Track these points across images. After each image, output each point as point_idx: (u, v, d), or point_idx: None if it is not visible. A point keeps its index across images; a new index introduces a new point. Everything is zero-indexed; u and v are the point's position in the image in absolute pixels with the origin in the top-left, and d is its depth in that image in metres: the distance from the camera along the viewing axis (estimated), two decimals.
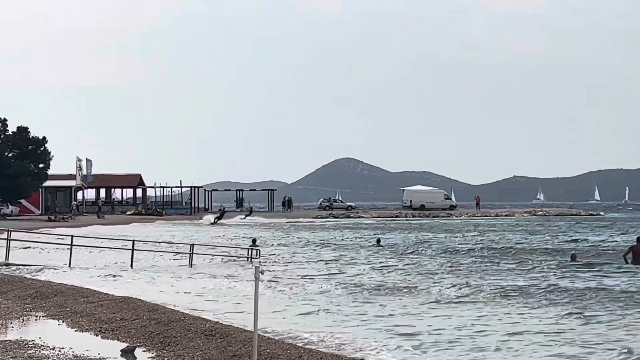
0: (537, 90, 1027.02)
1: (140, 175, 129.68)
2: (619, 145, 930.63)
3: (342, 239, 61.49)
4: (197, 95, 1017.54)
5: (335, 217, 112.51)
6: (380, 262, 38.74)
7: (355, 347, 16.92)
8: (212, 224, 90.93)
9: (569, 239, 59.44)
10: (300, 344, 16.73)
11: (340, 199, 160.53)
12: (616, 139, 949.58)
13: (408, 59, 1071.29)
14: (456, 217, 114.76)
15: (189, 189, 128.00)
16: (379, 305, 23.61)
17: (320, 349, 16.15)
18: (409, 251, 47.79)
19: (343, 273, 34.21)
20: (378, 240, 53.05)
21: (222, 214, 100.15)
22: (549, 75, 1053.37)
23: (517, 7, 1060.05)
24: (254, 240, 47.76)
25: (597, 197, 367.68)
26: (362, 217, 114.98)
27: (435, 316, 21.57)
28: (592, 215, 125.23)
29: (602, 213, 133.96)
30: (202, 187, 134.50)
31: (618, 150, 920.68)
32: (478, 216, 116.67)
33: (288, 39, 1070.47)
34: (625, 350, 16.16)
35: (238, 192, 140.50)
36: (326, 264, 38.80)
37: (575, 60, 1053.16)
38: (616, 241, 55.83)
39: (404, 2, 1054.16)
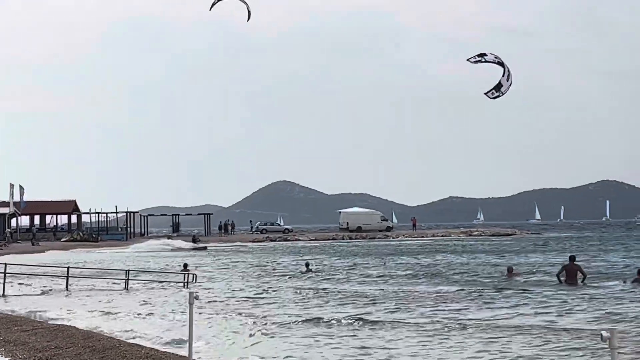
0: (471, 112, 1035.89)
1: (74, 201, 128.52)
2: (553, 166, 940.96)
3: (277, 263, 60.85)
4: (130, 119, 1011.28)
5: (272, 240, 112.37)
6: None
7: None
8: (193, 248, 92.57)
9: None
10: None
11: (277, 222, 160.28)
12: (550, 159, 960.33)
13: (342, 81, 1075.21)
14: (393, 238, 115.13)
15: (125, 214, 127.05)
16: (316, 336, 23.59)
17: None
18: (339, 276, 46.18)
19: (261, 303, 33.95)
20: (307, 265, 51.53)
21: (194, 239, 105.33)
22: (482, 97, 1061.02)
23: (454, 32, 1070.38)
24: (185, 265, 47.32)
25: (537, 216, 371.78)
26: (299, 239, 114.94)
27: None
28: (528, 234, 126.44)
29: (540, 233, 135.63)
30: (137, 212, 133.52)
31: (552, 171, 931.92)
32: (415, 237, 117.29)
33: (222, 63, 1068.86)
34: None
35: (174, 216, 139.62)
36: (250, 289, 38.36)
37: (518, 80, 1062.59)
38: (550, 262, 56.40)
39: (342, 26, 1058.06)
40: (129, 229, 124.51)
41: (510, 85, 32.19)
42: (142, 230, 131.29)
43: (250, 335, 22.52)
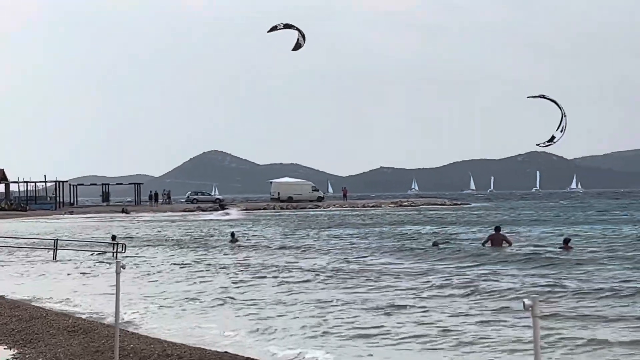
0: (402, 84, 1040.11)
1: (2, 170, 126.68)
2: (482, 137, 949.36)
3: (203, 233, 60.46)
4: (61, 88, 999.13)
5: (203, 211, 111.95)
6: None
7: (215, 341, 17.02)
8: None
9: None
10: (164, 338, 16.74)
11: (212, 192, 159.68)
12: (479, 131, 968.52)
13: (274, 53, 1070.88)
14: (324, 208, 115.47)
15: (54, 183, 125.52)
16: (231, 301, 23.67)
17: (184, 342, 16.20)
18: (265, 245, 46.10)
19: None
20: (232, 235, 51.40)
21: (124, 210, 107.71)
22: (414, 71, 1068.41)
23: (388, 5, 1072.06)
24: (113, 237, 46.94)
25: (472, 186, 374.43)
26: (230, 209, 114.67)
27: None
28: (456, 205, 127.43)
29: (469, 203, 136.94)
30: (67, 181, 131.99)
31: (481, 142, 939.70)
32: (346, 207, 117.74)
33: (157, 32, 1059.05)
34: None
35: (104, 186, 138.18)
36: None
37: (444, 55, 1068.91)
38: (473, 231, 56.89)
39: (276, 2, 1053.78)
40: (58, 198, 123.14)
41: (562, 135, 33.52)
42: (72, 199, 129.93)
43: (172, 306, 22.53)
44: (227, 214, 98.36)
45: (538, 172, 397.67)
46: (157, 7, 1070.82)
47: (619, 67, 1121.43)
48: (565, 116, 34.69)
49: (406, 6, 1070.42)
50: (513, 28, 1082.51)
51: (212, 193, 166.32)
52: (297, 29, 40.89)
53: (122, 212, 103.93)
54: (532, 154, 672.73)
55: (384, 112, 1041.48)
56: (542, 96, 35.56)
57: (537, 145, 35.81)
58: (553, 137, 33.97)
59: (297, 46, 40.84)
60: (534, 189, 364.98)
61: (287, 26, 41.08)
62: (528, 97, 39.13)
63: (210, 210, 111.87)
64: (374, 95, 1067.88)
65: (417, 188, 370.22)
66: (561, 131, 35.27)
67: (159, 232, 63.45)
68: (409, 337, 17.22)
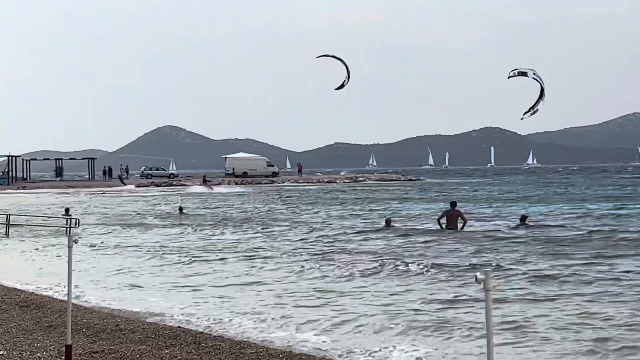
0: (356, 59, 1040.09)
1: None
2: (437, 112, 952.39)
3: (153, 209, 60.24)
4: (13, 62, 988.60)
5: (157, 186, 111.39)
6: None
7: (167, 313, 17.00)
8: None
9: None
10: (117, 313, 16.68)
11: (169, 167, 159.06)
12: (434, 106, 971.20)
13: (226, 29, 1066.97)
14: (279, 183, 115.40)
15: (6, 158, 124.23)
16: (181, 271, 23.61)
17: (138, 317, 16.15)
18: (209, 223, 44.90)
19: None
20: (180, 209, 51.35)
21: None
22: (372, 44, 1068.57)
23: None
24: (67, 210, 46.49)
25: (430, 161, 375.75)
26: (185, 185, 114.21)
27: None
28: (411, 180, 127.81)
29: (422, 178, 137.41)
30: (19, 156, 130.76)
31: (436, 118, 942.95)
32: (301, 182, 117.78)
33: (111, 7, 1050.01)
34: None
35: (57, 161, 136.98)
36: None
37: (404, 29, 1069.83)
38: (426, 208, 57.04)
39: None
40: (10, 173, 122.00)
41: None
42: (25, 174, 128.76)
43: (127, 282, 22.47)
44: (211, 188, 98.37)
45: (492, 148, 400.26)
46: None
47: (573, 44, 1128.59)
48: (543, 89, 35.74)
49: None
50: (472, 3, 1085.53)
51: (169, 168, 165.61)
52: (347, 68, 41.61)
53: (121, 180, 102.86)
54: (486, 130, 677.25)
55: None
56: (523, 74, 36.09)
57: (522, 118, 36.57)
58: (536, 108, 34.86)
59: (341, 86, 41.78)
60: (488, 165, 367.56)
61: (339, 59, 41.78)
62: (509, 77, 39.66)
63: (165, 185, 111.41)
64: (328, 69, 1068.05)
65: (375, 163, 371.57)
66: (540, 102, 36.32)
67: (115, 205, 63.16)
68: (364, 315, 17.25)
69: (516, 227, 36.43)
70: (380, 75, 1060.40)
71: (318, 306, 17.83)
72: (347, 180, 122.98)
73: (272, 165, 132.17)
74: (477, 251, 27.90)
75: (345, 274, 22.90)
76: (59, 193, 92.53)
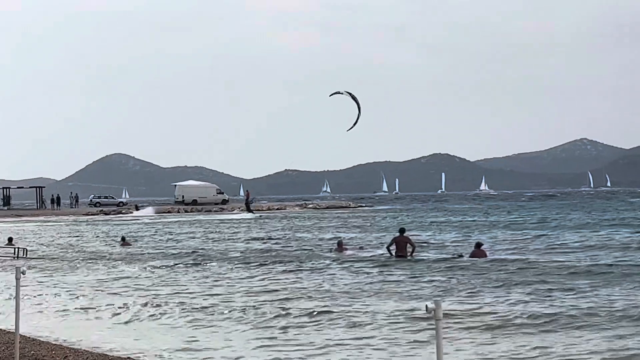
0: (306, 86, 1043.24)
1: None
2: (386, 139, 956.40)
3: (96, 237, 59.61)
4: None
5: (106, 214, 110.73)
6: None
7: (114, 346, 16.83)
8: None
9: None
10: (66, 345, 16.50)
11: (112, 195, 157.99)
12: (382, 133, 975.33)
13: (174, 56, 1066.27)
14: (229, 211, 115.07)
15: None
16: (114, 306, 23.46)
17: (85, 348, 15.98)
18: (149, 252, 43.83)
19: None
20: (123, 238, 50.79)
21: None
22: (318, 68, 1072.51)
23: (290, 5, 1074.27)
24: (9, 239, 45.40)
25: (385, 188, 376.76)
26: (134, 213, 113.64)
27: None
28: (361, 207, 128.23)
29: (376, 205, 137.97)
30: None
31: (385, 144, 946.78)
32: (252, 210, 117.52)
33: (55, 33, 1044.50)
34: None
35: (5, 189, 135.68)
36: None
37: (344, 54, 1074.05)
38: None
39: (170, 1, 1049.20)
40: None
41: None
42: None
43: (76, 313, 22.23)
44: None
45: (443, 174, 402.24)
46: (46, 5, 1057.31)
47: (519, 68, 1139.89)
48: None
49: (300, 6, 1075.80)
50: (412, 29, 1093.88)
51: (122, 196, 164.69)
52: (358, 107, 42.71)
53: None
54: (436, 156, 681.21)
55: (287, 114, 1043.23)
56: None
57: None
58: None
59: (353, 125, 43.36)
60: (439, 191, 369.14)
61: (352, 97, 42.67)
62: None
63: (113, 214, 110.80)
64: (278, 96, 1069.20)
65: (328, 190, 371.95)
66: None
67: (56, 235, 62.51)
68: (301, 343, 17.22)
69: (469, 254, 36.32)
70: (328, 101, 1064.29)
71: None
72: (297, 207, 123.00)
73: (222, 193, 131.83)
74: (427, 279, 27.92)
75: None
76: (4, 222, 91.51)
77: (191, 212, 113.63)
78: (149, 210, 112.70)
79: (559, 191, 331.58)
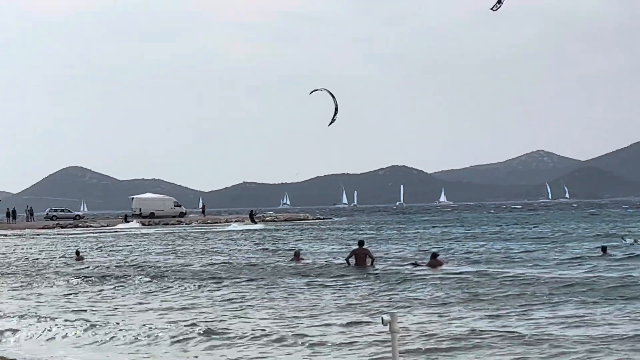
0: (263, 98, 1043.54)
1: None
2: (344, 151, 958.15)
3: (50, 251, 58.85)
4: None
5: (62, 227, 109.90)
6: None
7: None
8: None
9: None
10: None
11: (69, 208, 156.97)
12: (339, 145, 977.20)
13: (129, 69, 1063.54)
14: (186, 224, 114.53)
15: None
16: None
17: None
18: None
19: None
20: (77, 252, 50.15)
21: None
22: (275, 81, 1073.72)
23: (250, 17, 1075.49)
24: None
25: (344, 200, 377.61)
26: (91, 226, 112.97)
27: None
28: (319, 219, 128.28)
29: (334, 217, 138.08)
30: None
31: (342, 156, 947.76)
32: (209, 223, 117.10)
33: (7, 42, 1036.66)
34: None
35: None
36: None
37: (302, 65, 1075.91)
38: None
39: (133, 10, 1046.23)
40: None
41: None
42: None
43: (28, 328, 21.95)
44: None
45: (402, 186, 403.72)
46: (18, 22, 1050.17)
47: (476, 80, 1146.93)
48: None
49: (261, 18, 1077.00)
50: (370, 40, 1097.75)
51: (80, 209, 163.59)
52: (335, 105, 43.86)
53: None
54: (393, 168, 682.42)
55: (244, 125, 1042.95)
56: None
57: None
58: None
59: (332, 121, 44.30)
60: (397, 203, 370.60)
61: (329, 93, 43.72)
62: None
63: (70, 227, 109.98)
64: (235, 108, 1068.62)
65: (288, 202, 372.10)
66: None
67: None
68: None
69: (426, 265, 36.26)
70: (284, 113, 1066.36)
71: None
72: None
73: (180, 206, 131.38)
74: (384, 291, 27.88)
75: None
76: None
77: (149, 225, 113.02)
78: (134, 224, 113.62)
79: (524, 203, 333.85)
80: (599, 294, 25.20)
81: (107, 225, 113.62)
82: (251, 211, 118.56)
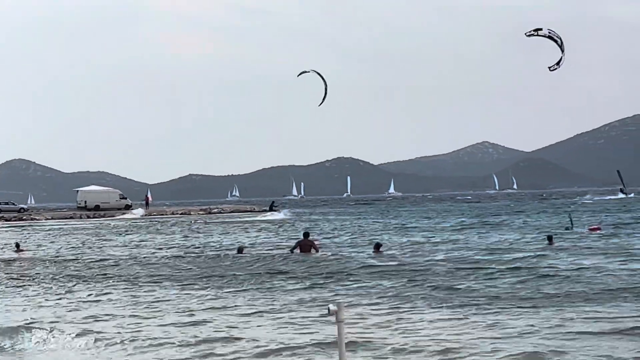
0: (211, 92, 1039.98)
1: None
2: (290, 143, 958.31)
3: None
4: None
5: (7, 220, 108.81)
6: None
7: None
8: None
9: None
10: None
11: (13, 201, 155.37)
12: (288, 137, 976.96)
13: (73, 60, 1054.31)
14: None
15: None
16: None
17: None
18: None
19: None
20: (17, 245, 49.67)
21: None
22: (222, 74, 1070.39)
23: (194, 8, 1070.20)
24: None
25: (294, 192, 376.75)
26: (35, 219, 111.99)
27: None
28: (265, 211, 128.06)
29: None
30: None
31: (287, 148, 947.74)
32: (154, 215, 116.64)
33: None
34: None
35: None
36: None
37: (248, 58, 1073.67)
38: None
39: (77, 5, 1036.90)
40: None
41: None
42: None
43: None
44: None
45: (349, 178, 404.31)
46: None
47: (421, 73, 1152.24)
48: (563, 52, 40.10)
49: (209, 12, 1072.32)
50: (315, 33, 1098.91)
51: (28, 202, 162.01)
52: (325, 83, 43.95)
53: None
54: (340, 160, 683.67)
55: (189, 118, 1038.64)
56: (537, 30, 39.09)
57: (549, 68, 40.72)
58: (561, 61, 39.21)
59: (322, 101, 44.50)
60: (345, 194, 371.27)
61: (319, 75, 44.03)
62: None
63: (14, 220, 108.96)
64: (180, 101, 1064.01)
65: (237, 194, 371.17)
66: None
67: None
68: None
69: (370, 256, 36.32)
70: (230, 106, 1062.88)
71: None
72: (201, 212, 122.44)
73: (125, 198, 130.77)
74: (329, 281, 27.91)
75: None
76: None
77: (94, 217, 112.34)
78: (139, 211, 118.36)
79: (473, 194, 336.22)
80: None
81: (52, 218, 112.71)
82: (272, 202, 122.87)
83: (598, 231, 50.19)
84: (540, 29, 38.59)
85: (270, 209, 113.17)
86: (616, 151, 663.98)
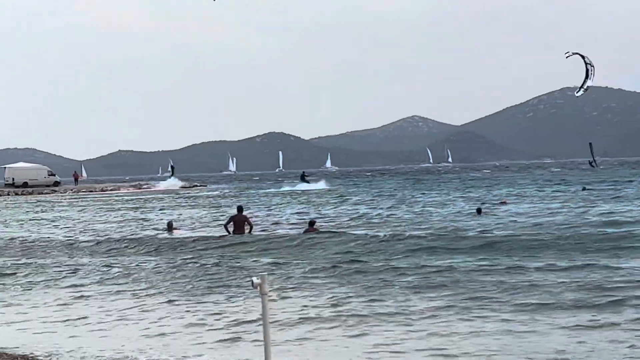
0: (138, 66, 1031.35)
1: None
2: (221, 118, 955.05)
3: None
4: None
5: None
6: None
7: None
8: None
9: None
10: None
11: None
12: (214, 113, 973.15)
13: (8, 33, 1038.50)
14: (61, 193, 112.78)
15: None
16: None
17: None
18: None
19: None
20: None
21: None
22: (143, 48, 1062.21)
23: None
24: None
25: (231, 167, 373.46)
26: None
27: None
28: (196, 186, 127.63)
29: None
30: None
31: (218, 124, 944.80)
32: (84, 192, 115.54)
33: None
34: None
35: None
36: None
37: (182, 32, 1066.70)
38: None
39: None
40: None
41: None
42: None
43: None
44: None
45: (280, 153, 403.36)
46: None
47: (346, 50, 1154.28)
48: (592, 68, 41.99)
49: None
50: (250, 9, 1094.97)
51: None
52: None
53: None
54: (271, 135, 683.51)
55: (119, 94, 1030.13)
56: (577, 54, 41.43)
57: (577, 94, 43.14)
58: (585, 86, 41.26)
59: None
60: (277, 170, 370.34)
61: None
62: (567, 55, 44.87)
63: None
64: (108, 76, 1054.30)
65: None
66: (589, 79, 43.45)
67: None
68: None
69: (305, 231, 36.08)
70: (157, 81, 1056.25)
71: None
72: (131, 188, 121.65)
73: (54, 175, 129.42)
74: (260, 255, 27.96)
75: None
76: None
77: (22, 194, 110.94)
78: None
79: (409, 167, 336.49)
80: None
81: None
82: (303, 172, 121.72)
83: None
84: (579, 54, 41.27)
85: (302, 179, 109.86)
86: (545, 124, 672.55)
